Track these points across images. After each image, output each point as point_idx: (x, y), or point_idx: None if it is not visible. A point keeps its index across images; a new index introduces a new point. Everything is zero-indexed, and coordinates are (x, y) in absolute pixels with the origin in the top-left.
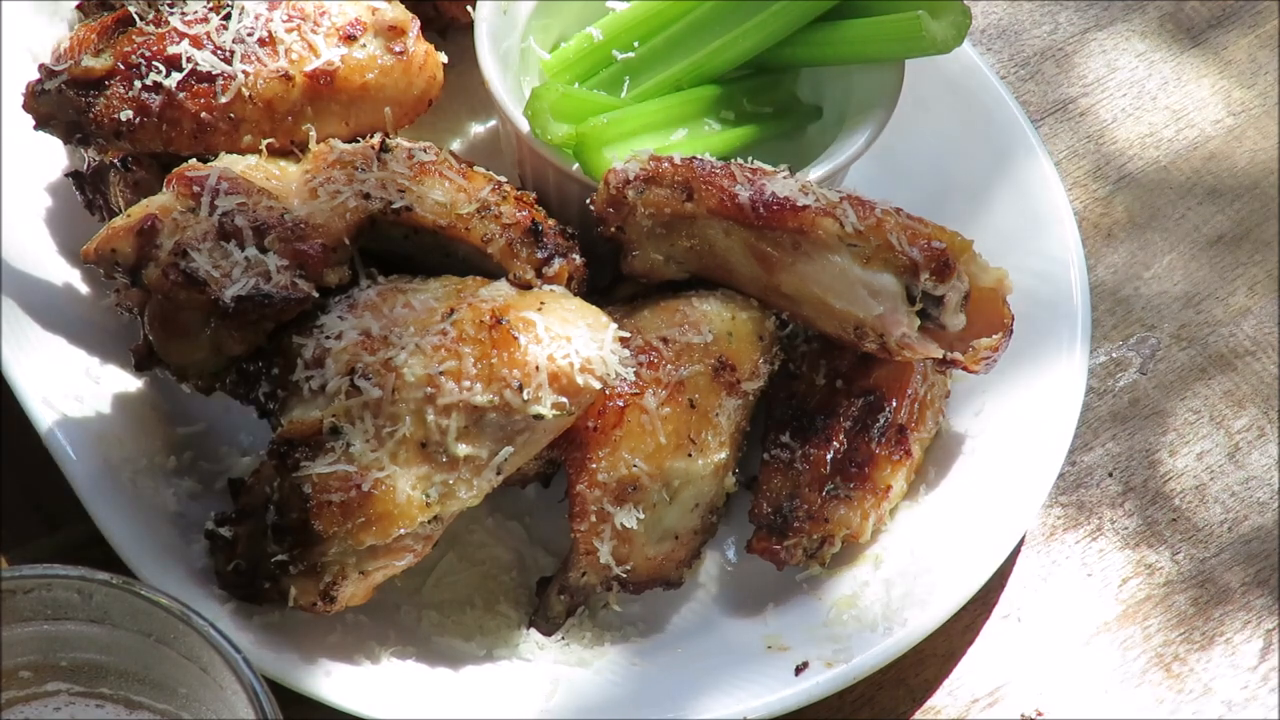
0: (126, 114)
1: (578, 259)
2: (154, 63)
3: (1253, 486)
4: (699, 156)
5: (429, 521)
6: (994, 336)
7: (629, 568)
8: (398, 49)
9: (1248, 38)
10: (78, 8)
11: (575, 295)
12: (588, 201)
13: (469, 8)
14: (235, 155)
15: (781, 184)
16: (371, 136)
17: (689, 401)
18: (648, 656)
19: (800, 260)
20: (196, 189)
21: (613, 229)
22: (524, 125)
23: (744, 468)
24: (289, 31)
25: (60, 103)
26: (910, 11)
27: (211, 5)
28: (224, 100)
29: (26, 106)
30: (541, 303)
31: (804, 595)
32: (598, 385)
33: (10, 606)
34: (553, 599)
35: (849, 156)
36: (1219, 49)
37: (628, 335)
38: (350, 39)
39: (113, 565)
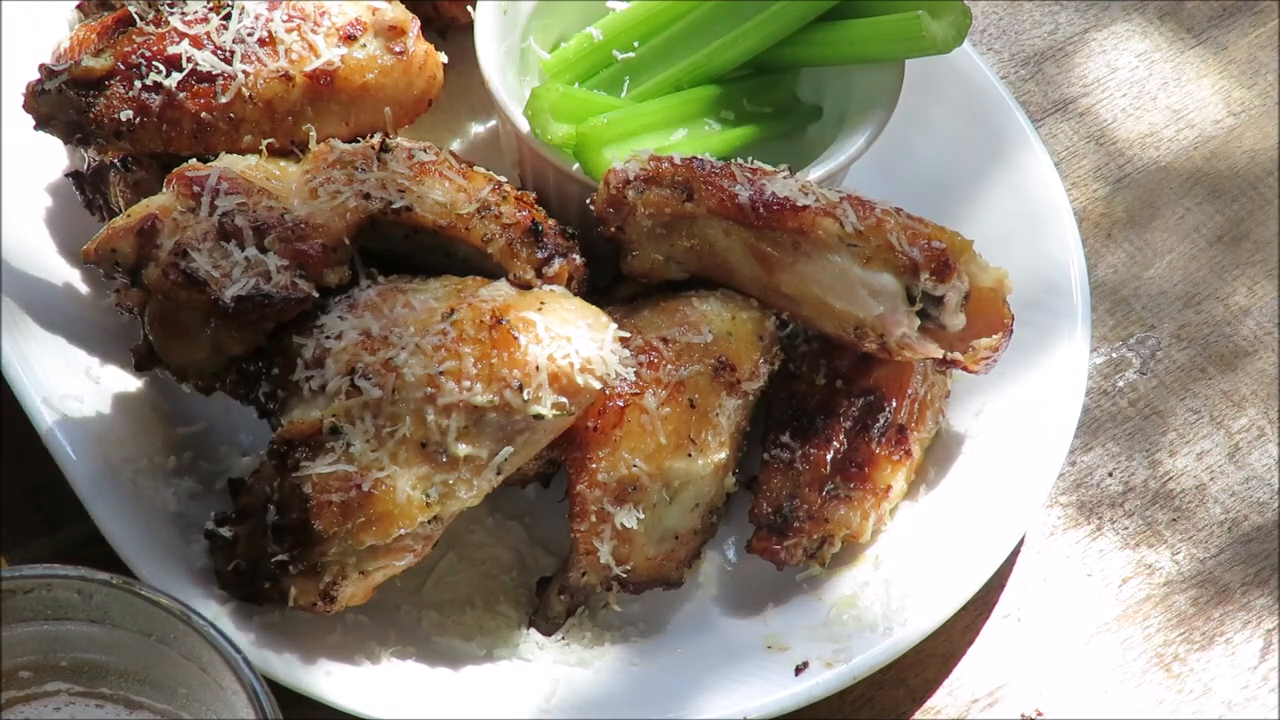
0: (126, 114)
1: (578, 259)
2: (154, 63)
3: (1253, 486)
4: (699, 156)
5: (429, 521)
6: (994, 336)
7: (629, 568)
8: (398, 49)
9: (1248, 38)
10: (78, 8)
11: (575, 295)
12: (588, 201)
13: (469, 8)
14: (235, 155)
15: (781, 184)
16: (371, 136)
17: (689, 401)
18: (648, 656)
19: (800, 260)
20: (196, 189)
21: (613, 229)
22: (524, 125)
23: (744, 468)
24: (289, 31)
25: (60, 103)
26: (910, 11)
27: (211, 5)
28: (224, 100)
29: (26, 106)
30: (541, 303)
31: (804, 595)
32: (598, 385)
33: (10, 606)
34: (553, 599)
35: (849, 156)
36: (1219, 49)
37: (628, 335)
38: (350, 39)
39: (113, 565)
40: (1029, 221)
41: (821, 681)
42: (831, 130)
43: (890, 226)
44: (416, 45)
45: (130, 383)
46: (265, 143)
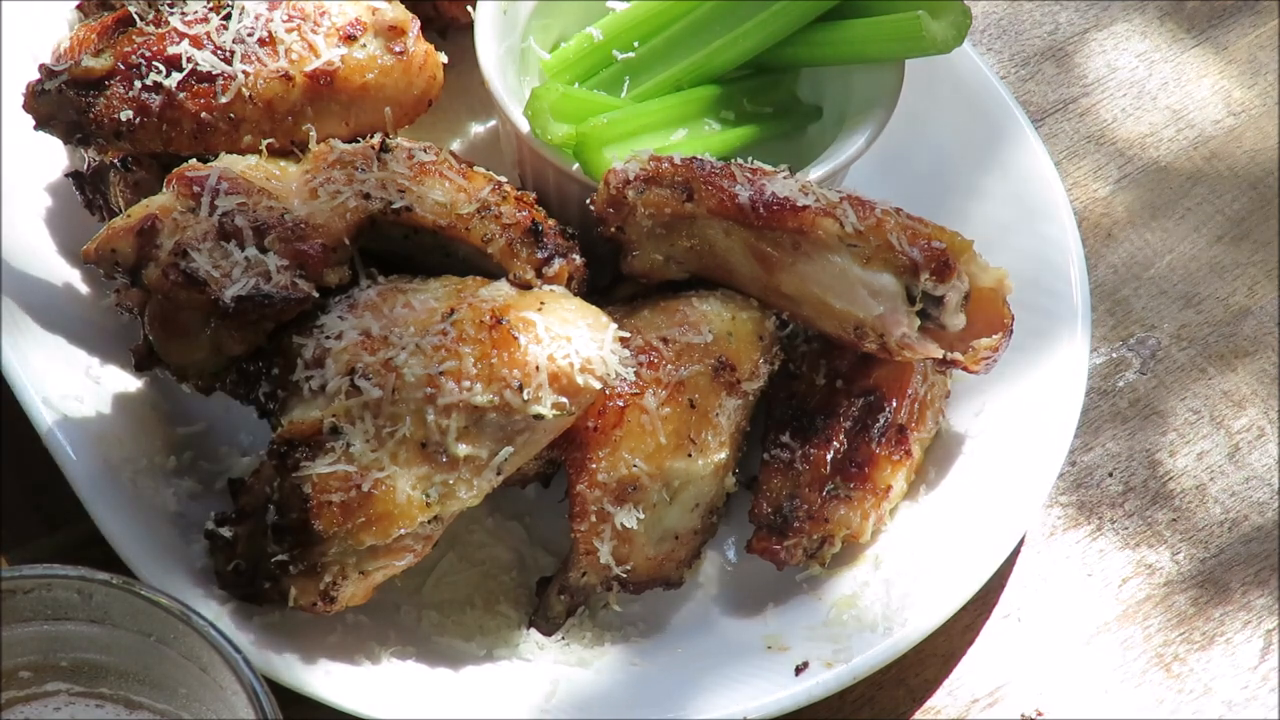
0: (126, 114)
1: (578, 259)
2: (154, 63)
3: (1253, 486)
4: (699, 156)
5: (429, 521)
6: (994, 337)
7: (629, 568)
8: (398, 49)
9: (1248, 38)
10: (78, 8)
11: (575, 295)
12: (588, 201)
13: (469, 8)
14: (235, 155)
15: (781, 184)
16: (371, 136)
17: (689, 401)
18: (648, 656)
19: (800, 260)
20: (196, 189)
21: (613, 229)
22: (524, 125)
23: (744, 468)
24: (289, 31)
25: (60, 103)
26: (910, 11)
27: (211, 5)
28: (224, 100)
29: (26, 106)
30: (541, 303)
31: (804, 595)
32: (598, 385)
33: (10, 606)
34: (553, 599)
35: (849, 156)
36: (1219, 49)
37: (628, 335)
38: (350, 39)
39: (113, 565)
40: (1029, 221)
41: (821, 681)
42: (831, 130)
43: (890, 226)
44: (416, 45)
45: (130, 383)
46: (265, 143)
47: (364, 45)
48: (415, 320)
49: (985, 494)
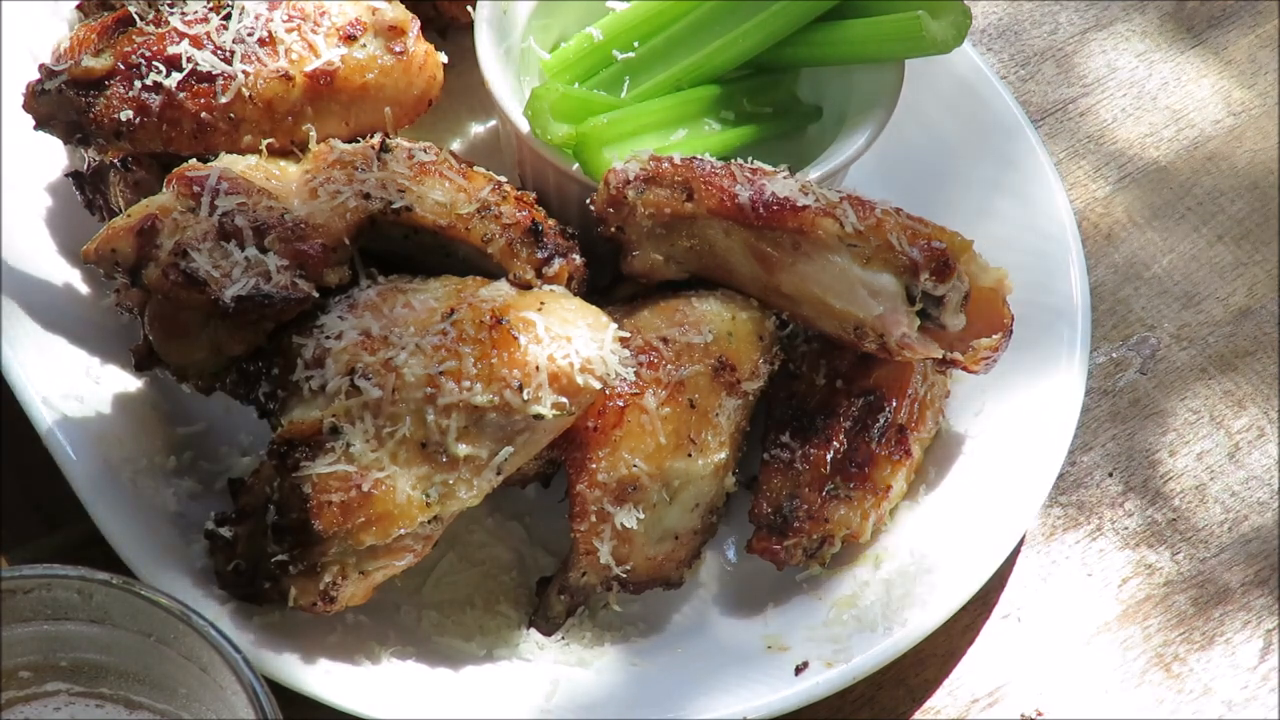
0: (126, 114)
1: (578, 259)
2: (154, 63)
3: (1253, 486)
4: (699, 156)
5: (429, 521)
6: (994, 336)
7: (629, 568)
8: (398, 49)
9: (1248, 38)
10: (78, 8)
11: (575, 295)
12: (588, 201)
13: (469, 8)
14: (235, 155)
15: (781, 184)
16: (371, 136)
17: (689, 401)
18: (647, 656)
19: (800, 260)
20: (196, 189)
21: (613, 229)
22: (524, 125)
23: (744, 468)
24: (289, 31)
25: (60, 103)
26: (910, 11)
27: (211, 5)
28: (224, 100)
29: (26, 106)
30: (541, 303)
31: (804, 595)
32: (598, 385)
33: (10, 606)
34: (553, 599)
35: (849, 156)
36: (1219, 49)
37: (628, 335)
38: (350, 39)
39: (113, 565)
40: (1029, 221)
41: (821, 681)
42: (831, 130)
43: (890, 226)
44: (416, 45)
45: (130, 383)
46: (265, 143)
47: (364, 45)
48: (415, 320)
49: (985, 494)
